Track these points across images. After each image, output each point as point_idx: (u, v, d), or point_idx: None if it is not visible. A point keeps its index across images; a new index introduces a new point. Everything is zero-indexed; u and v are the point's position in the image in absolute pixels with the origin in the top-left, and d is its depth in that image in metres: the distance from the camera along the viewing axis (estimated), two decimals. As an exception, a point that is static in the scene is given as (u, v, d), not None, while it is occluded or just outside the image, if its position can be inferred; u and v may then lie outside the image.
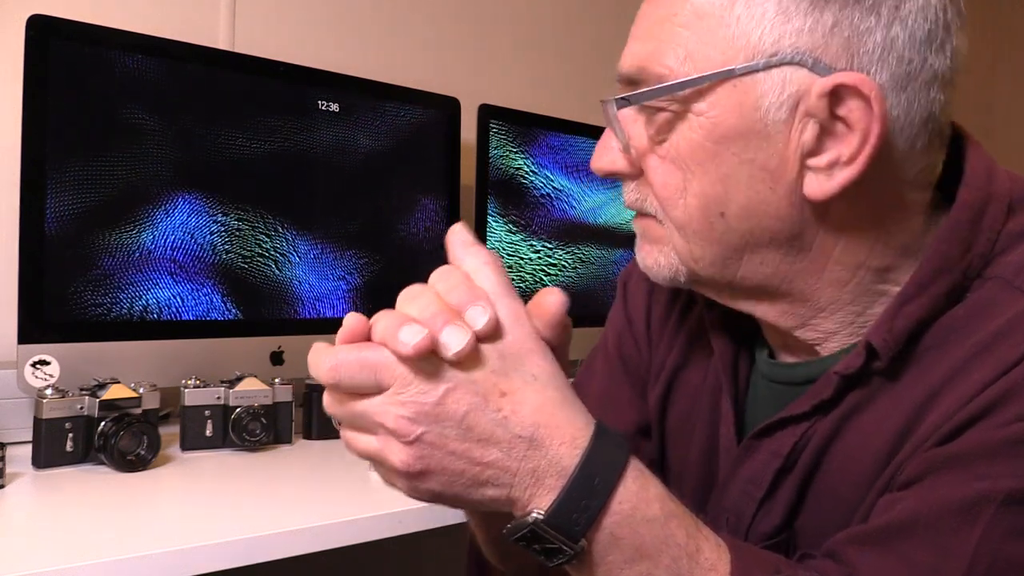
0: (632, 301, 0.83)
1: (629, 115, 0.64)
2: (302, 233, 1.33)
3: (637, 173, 0.64)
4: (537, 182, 1.65)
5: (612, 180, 0.68)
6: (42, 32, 1.08)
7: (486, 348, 0.53)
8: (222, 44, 1.47)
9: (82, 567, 0.73)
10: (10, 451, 0.97)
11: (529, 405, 0.52)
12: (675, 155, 0.61)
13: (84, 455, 1.02)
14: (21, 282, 1.08)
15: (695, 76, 0.59)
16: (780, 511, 0.63)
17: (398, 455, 0.52)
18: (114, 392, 1.03)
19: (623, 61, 0.63)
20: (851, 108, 0.57)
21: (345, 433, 0.56)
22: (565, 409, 0.54)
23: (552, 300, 0.55)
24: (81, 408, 1.02)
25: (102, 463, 1.02)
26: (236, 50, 1.47)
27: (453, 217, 1.54)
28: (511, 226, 1.61)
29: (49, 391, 1.01)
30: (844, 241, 0.61)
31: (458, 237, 0.56)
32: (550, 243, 1.67)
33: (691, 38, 0.59)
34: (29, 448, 1.01)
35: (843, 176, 0.59)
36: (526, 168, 1.63)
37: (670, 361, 0.77)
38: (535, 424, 0.52)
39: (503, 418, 0.52)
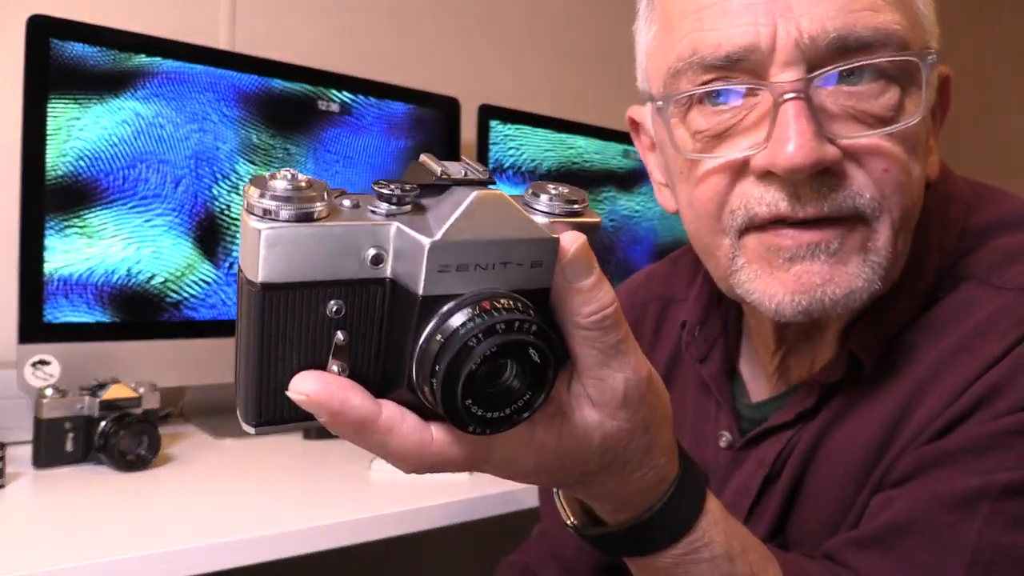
0: None
1: (834, 95, 0.55)
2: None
3: (842, 167, 0.56)
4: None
5: (796, 177, 0.54)
6: (42, 32, 1.08)
7: None
8: (222, 44, 1.47)
9: (82, 567, 0.73)
10: (10, 451, 0.97)
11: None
12: (902, 136, 0.56)
13: (84, 455, 1.02)
14: (21, 282, 1.08)
15: (922, 47, 0.57)
16: (769, 518, 0.63)
17: None
18: (114, 392, 1.03)
19: (841, 20, 0.53)
20: (939, 97, 0.62)
21: None
22: None
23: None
24: (81, 408, 1.02)
25: (102, 463, 1.02)
26: (236, 50, 1.47)
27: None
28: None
29: (49, 391, 1.01)
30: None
31: None
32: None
33: (905, 12, 0.57)
34: (29, 448, 1.01)
35: (935, 157, 0.62)
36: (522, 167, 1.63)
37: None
38: None
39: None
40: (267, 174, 0.37)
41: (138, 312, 1.17)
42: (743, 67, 0.55)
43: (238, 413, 0.40)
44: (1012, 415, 0.53)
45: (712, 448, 0.69)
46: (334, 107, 1.36)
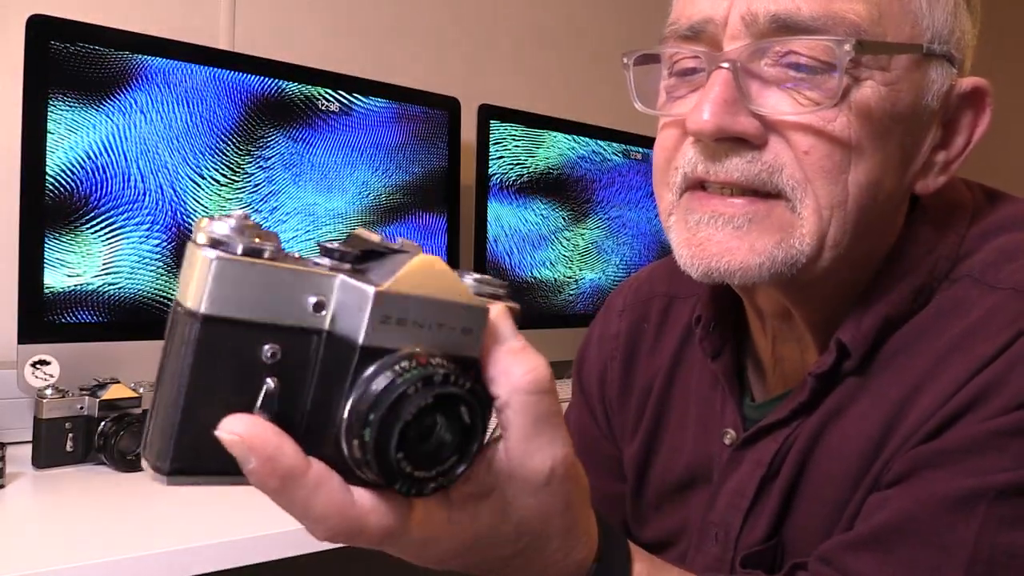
0: (588, 389, 0.82)
1: (776, 73, 0.56)
2: (301, 233, 1.33)
3: (763, 140, 0.56)
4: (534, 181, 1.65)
5: (717, 141, 0.56)
6: (42, 32, 1.08)
7: None
8: (222, 44, 1.47)
9: (82, 567, 0.73)
10: (10, 451, 0.97)
11: None
12: (845, 124, 0.55)
13: (84, 455, 1.02)
14: (21, 282, 1.08)
15: (899, 42, 0.56)
16: (767, 519, 0.63)
17: None
18: (114, 392, 1.03)
19: (787, 2, 0.54)
20: (964, 111, 0.61)
21: None
22: None
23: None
24: (81, 408, 1.02)
25: (102, 463, 1.02)
26: (236, 50, 1.47)
27: (453, 217, 1.54)
28: (511, 225, 1.61)
29: (49, 391, 1.01)
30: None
31: None
32: (547, 241, 1.68)
33: (878, 3, 0.56)
34: (29, 448, 1.01)
35: (945, 176, 0.61)
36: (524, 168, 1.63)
37: (656, 388, 0.77)
38: None
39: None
40: (219, 215, 0.37)
41: (138, 312, 1.17)
42: (704, 38, 0.58)
43: (145, 462, 0.38)
44: (1006, 415, 0.52)
45: (717, 445, 0.69)
46: (334, 107, 1.36)
